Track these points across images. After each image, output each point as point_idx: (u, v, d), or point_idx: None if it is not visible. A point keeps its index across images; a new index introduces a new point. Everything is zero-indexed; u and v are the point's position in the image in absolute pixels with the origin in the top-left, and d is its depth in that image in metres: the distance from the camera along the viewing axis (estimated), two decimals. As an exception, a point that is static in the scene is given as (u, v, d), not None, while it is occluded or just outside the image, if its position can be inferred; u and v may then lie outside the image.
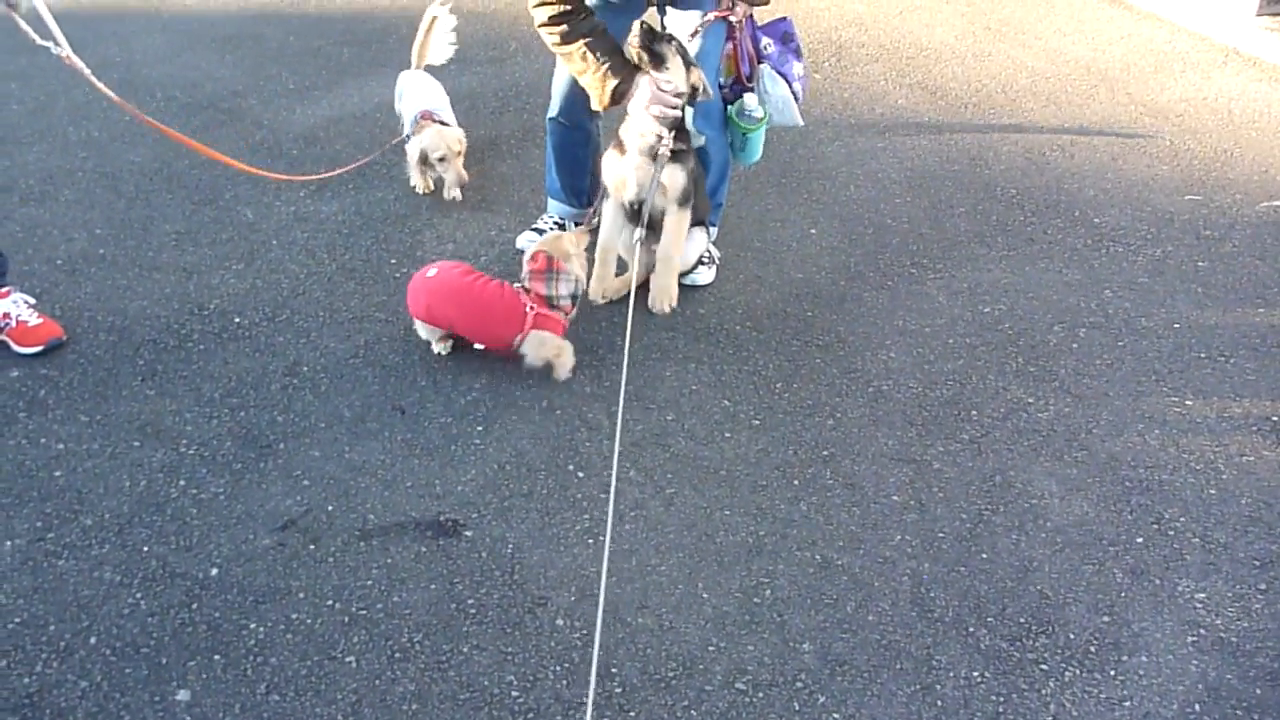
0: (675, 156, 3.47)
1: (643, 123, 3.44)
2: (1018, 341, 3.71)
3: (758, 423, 3.31)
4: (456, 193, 4.47)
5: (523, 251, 3.93)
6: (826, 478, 3.10)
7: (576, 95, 3.71)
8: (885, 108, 5.44)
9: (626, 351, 3.17)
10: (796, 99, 3.73)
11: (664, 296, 3.74)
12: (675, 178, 3.50)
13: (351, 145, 4.94)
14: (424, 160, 4.34)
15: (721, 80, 3.72)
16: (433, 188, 4.54)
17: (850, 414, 3.36)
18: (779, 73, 3.69)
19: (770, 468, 3.14)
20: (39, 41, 3.08)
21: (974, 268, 4.12)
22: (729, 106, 3.74)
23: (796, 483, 3.08)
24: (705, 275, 3.94)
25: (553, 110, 3.92)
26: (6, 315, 3.50)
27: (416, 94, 4.58)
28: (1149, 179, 4.80)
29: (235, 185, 4.56)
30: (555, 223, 4.20)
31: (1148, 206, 4.57)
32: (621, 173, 3.55)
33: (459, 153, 4.33)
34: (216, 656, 2.53)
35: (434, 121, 4.38)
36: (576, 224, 4.13)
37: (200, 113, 5.24)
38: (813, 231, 4.33)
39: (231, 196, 4.48)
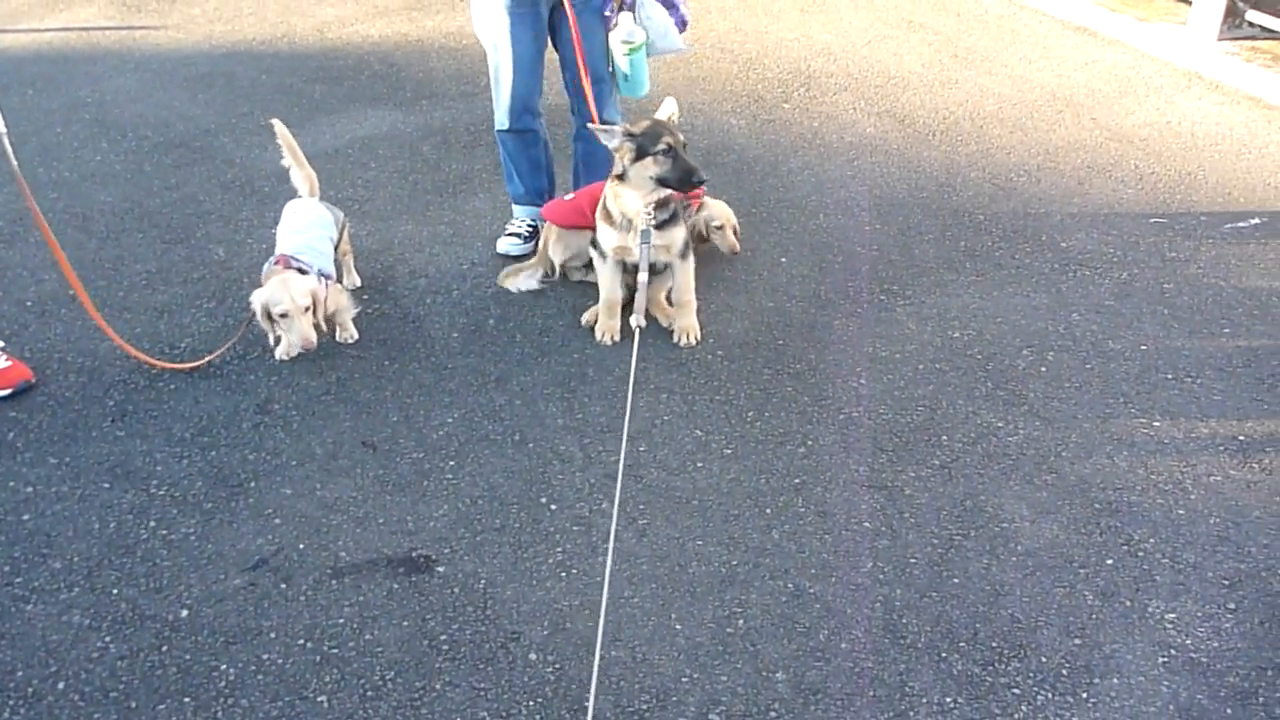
0: (671, 220, 3.69)
1: (631, 202, 3.60)
2: (987, 366, 3.74)
3: (729, 452, 3.32)
4: (289, 351, 3.73)
5: (506, 255, 4.35)
6: (798, 506, 3.11)
7: (520, 103, 4.07)
8: (854, 136, 5.50)
9: (631, 385, 3.19)
10: (680, 27, 4.03)
11: (690, 333, 3.85)
12: (674, 238, 3.72)
13: (323, 182, 4.93)
14: (268, 317, 3.52)
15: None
16: (313, 343, 3.57)
17: (821, 441, 3.37)
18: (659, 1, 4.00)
19: (742, 497, 3.14)
20: None
21: (943, 293, 4.16)
22: (609, 35, 3.99)
23: (769, 511, 3.09)
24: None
25: (501, 123, 4.15)
26: (-25, 359, 3.50)
27: (285, 231, 3.81)
28: (1115, 203, 4.86)
29: (206, 224, 4.57)
30: (528, 225, 4.44)
31: (1114, 230, 4.63)
32: (620, 242, 3.70)
33: (306, 309, 3.49)
34: (187, 699, 2.51)
35: (291, 268, 3.59)
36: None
37: (172, 151, 5.25)
38: (783, 260, 4.36)
39: (203, 235, 4.48)
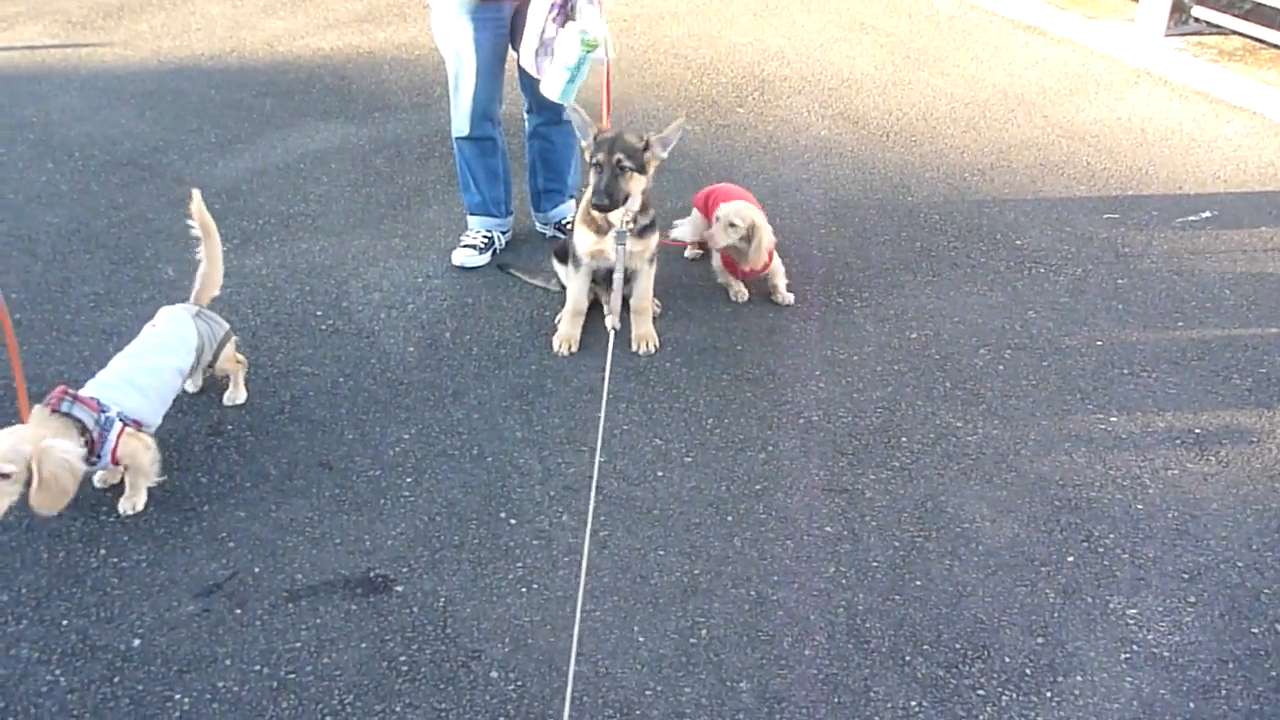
0: (650, 227, 3.75)
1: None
2: (945, 366, 3.74)
3: (690, 460, 3.30)
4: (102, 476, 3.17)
5: (463, 267, 4.32)
6: (760, 512, 3.10)
7: (480, 108, 4.05)
8: (809, 139, 5.51)
9: (606, 389, 3.16)
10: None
11: (648, 341, 3.86)
12: (648, 244, 3.77)
13: (275, 197, 4.89)
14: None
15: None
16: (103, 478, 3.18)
17: (782, 446, 3.36)
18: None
19: (703, 505, 3.13)
20: None
21: (900, 294, 4.17)
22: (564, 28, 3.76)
23: (730, 519, 3.08)
24: None
25: (460, 129, 4.11)
26: (-84, 387, 3.39)
27: (125, 351, 3.16)
28: (1068, 200, 4.90)
29: (155, 243, 4.50)
30: (484, 236, 4.40)
31: (1067, 227, 4.66)
32: (598, 246, 3.70)
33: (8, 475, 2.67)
34: (140, 731, 2.46)
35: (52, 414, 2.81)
36: (503, 233, 4.46)
37: (119, 170, 5.16)
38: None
39: (152, 254, 4.41)
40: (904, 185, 5.02)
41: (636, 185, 3.55)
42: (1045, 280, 4.26)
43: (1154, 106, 5.90)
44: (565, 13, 3.73)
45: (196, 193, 3.34)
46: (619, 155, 3.48)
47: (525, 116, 4.30)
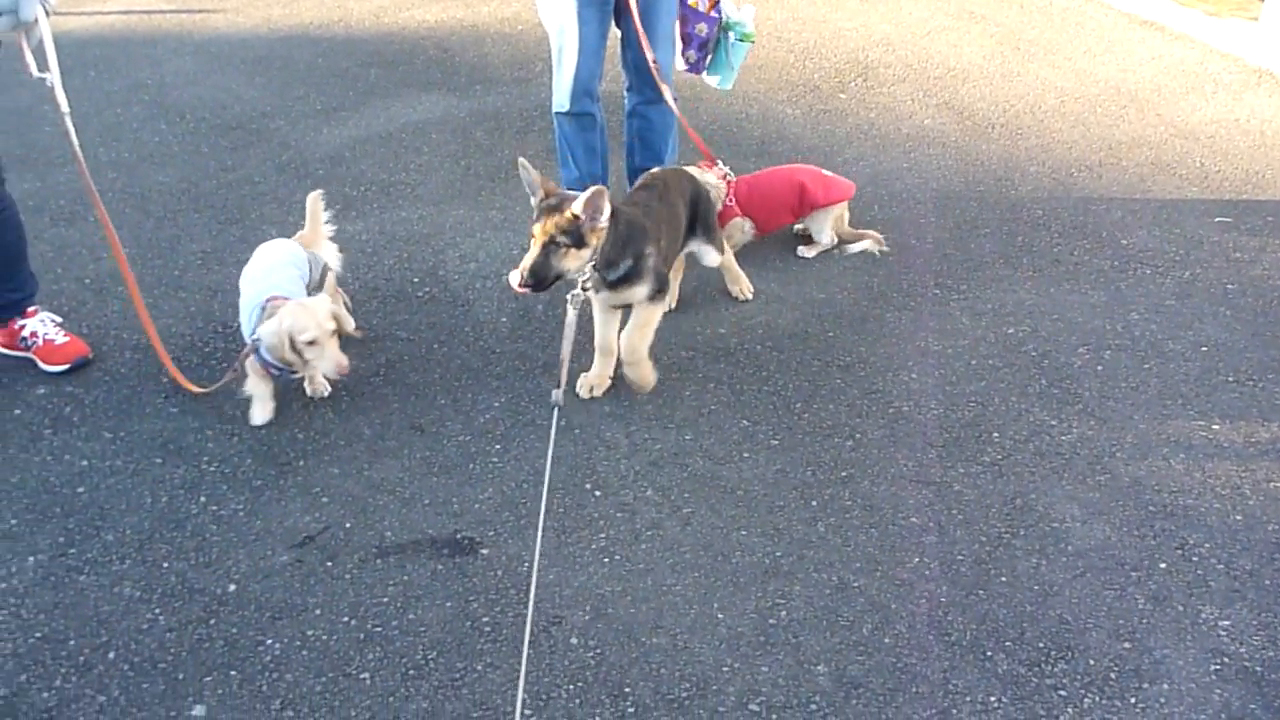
0: (631, 275, 3.25)
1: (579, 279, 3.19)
2: (1041, 364, 3.67)
3: (776, 443, 3.29)
4: (324, 386, 3.48)
5: None
6: (845, 499, 3.08)
7: (582, 85, 4.06)
8: (911, 128, 5.43)
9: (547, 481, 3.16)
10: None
11: (646, 384, 3.47)
12: (635, 294, 3.31)
13: (376, 165, 4.98)
14: (293, 348, 3.13)
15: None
16: (326, 390, 3.49)
17: (870, 435, 3.33)
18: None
19: (788, 488, 3.12)
20: (35, 74, 3.03)
21: (998, 289, 4.09)
22: (731, 30, 4.33)
23: (814, 504, 3.06)
24: None
25: (561, 105, 4.14)
26: (34, 334, 3.55)
27: (253, 273, 3.41)
28: (1178, 201, 4.76)
29: (260, 205, 4.62)
30: None
31: (1176, 229, 4.52)
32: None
33: (333, 332, 3.18)
34: (233, 672, 2.54)
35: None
36: None
37: (228, 133, 5.31)
38: (835, 252, 4.31)
39: (257, 216, 4.53)
40: (1008, 178, 4.93)
41: (574, 261, 3.09)
42: (1150, 282, 4.15)
43: (1274, 109, 5.69)
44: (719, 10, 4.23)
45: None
46: (553, 231, 3.04)
47: (625, 94, 4.31)
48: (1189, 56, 6.41)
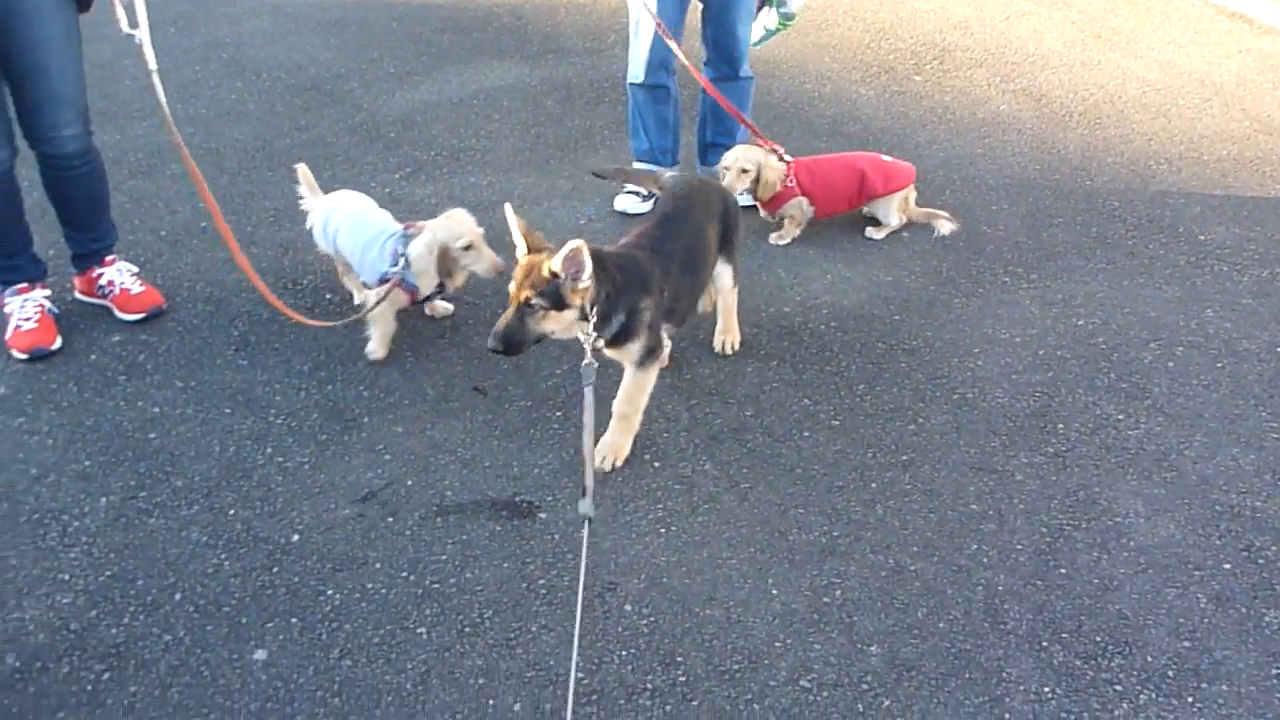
0: (624, 334, 2.95)
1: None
2: (1111, 357, 3.61)
3: (837, 423, 3.28)
4: (446, 307, 3.72)
5: (625, 213, 4.35)
6: (905, 482, 3.06)
7: (658, 57, 4.11)
8: (987, 113, 5.34)
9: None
10: None
11: (614, 454, 3.10)
12: (630, 352, 2.99)
13: (447, 130, 5.02)
14: (445, 258, 3.29)
15: None
16: (450, 309, 3.71)
17: (933, 420, 3.31)
18: None
19: (848, 469, 3.11)
20: (125, 30, 3.14)
21: (1069, 279, 4.03)
22: (778, 9, 4.48)
23: (874, 485, 3.05)
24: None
25: (635, 76, 4.16)
26: (111, 282, 3.64)
27: (352, 215, 3.54)
28: (1260, 199, 4.64)
29: (334, 165, 4.67)
30: None
31: (1257, 227, 4.42)
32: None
33: (482, 234, 3.37)
34: (294, 619, 2.60)
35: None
36: None
37: (303, 93, 5.37)
38: (904, 235, 4.27)
39: (329, 176, 4.57)
40: (1084, 168, 4.84)
41: (553, 324, 2.79)
42: (1227, 279, 4.06)
43: (1364, 106, 5.52)
44: None
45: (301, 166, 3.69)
46: (528, 292, 2.75)
47: (701, 68, 4.29)
48: (1277, 50, 6.23)
